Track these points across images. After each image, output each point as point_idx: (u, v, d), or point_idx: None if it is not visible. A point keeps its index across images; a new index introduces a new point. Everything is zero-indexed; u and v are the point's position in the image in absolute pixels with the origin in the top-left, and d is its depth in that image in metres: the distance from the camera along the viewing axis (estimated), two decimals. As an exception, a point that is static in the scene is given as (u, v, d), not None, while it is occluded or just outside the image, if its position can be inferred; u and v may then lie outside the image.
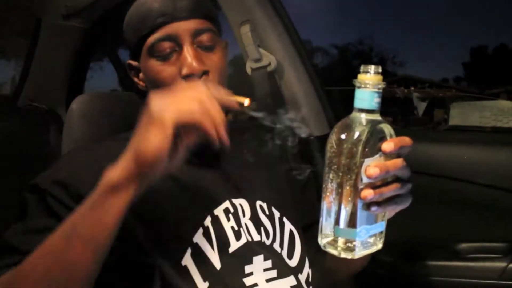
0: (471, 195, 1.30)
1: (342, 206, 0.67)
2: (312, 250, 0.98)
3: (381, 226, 0.72)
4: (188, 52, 0.85)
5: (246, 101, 0.73)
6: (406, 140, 0.68)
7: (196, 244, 0.81)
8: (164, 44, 0.86)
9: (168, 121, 0.62)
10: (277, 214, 0.93)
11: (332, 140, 0.69)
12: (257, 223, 0.89)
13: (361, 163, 0.65)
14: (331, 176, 0.68)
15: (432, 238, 1.34)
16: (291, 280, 0.87)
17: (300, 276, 0.90)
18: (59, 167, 0.84)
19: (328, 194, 0.69)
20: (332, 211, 0.69)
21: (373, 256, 1.03)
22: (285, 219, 0.94)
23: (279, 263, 0.87)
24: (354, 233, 0.68)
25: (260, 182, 0.96)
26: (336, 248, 0.70)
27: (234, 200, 0.89)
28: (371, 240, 0.72)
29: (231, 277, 0.81)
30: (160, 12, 0.86)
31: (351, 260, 0.94)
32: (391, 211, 0.72)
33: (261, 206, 0.92)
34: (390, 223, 0.75)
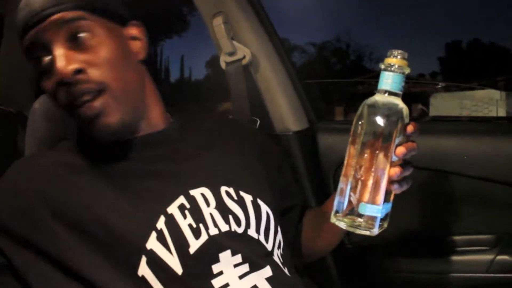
0: (455, 186, 1.27)
1: (369, 184, 0.71)
2: (289, 234, 0.97)
3: (390, 206, 0.76)
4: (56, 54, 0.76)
5: None
6: (418, 125, 0.73)
7: (151, 250, 0.75)
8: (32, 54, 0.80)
9: None
10: (248, 198, 0.85)
11: (359, 121, 0.72)
12: (224, 211, 0.81)
13: (394, 143, 0.70)
14: (355, 155, 0.72)
15: (418, 233, 1.31)
16: (266, 271, 0.80)
17: (275, 257, 0.84)
18: None
19: (352, 172, 0.72)
20: (350, 189, 0.72)
21: (360, 253, 0.99)
22: (259, 201, 0.86)
23: (250, 255, 0.79)
24: (378, 209, 0.71)
25: (224, 167, 0.89)
26: (353, 225, 0.73)
27: (192, 192, 0.81)
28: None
29: (197, 281, 0.75)
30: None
31: (333, 239, 1.00)
32: (401, 190, 0.75)
33: (227, 192, 0.84)
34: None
